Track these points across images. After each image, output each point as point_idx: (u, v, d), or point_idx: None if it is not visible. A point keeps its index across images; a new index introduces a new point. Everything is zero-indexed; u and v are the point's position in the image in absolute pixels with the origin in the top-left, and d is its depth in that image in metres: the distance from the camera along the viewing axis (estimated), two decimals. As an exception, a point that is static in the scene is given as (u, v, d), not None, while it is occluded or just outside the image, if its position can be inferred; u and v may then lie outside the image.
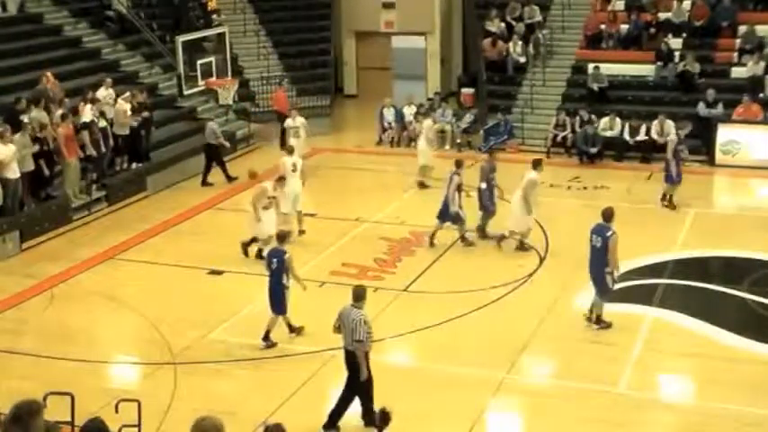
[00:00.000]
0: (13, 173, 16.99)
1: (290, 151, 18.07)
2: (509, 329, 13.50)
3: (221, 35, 24.54)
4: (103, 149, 19.37)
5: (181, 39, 22.83)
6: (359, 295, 10.62)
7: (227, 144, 22.41)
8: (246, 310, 14.34)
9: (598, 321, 13.32)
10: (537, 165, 16.83)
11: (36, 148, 17.66)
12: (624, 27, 25.62)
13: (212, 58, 23.57)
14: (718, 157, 21.97)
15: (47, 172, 18.07)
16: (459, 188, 16.61)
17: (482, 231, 17.12)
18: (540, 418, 11.21)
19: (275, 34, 28.70)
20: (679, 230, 17.35)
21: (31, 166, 17.59)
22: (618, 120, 22.89)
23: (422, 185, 20.59)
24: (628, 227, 16.66)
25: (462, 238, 16.84)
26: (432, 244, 16.81)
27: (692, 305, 14.34)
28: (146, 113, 20.85)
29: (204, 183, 21.25)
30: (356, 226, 18.22)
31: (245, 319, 14.07)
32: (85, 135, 18.79)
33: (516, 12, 27.09)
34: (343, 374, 10.66)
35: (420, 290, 15.03)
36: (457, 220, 16.73)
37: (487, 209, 17.15)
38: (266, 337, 12.97)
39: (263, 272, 15.64)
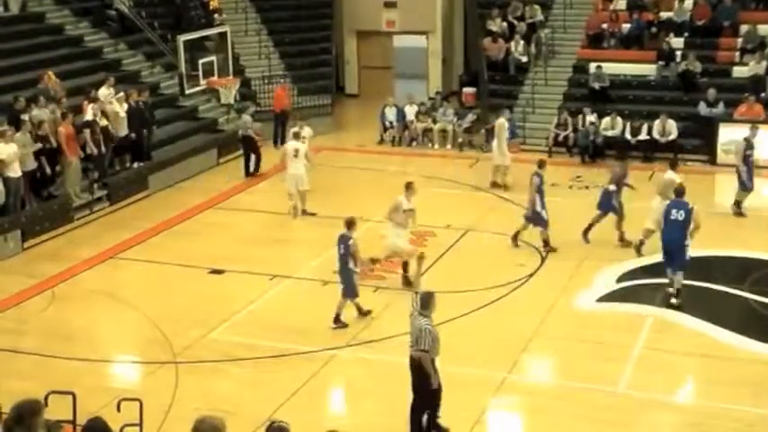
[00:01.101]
0: (15, 172, 17.00)
1: (296, 136, 19.05)
2: (510, 329, 13.51)
3: (223, 34, 24.55)
4: (104, 149, 19.36)
5: (182, 38, 22.84)
6: (426, 302, 10.26)
7: (260, 135, 22.51)
8: (247, 310, 14.36)
9: (678, 295, 13.96)
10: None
11: (39, 145, 17.68)
12: (626, 26, 25.61)
13: (214, 58, 23.57)
14: (720, 156, 21.95)
15: (48, 170, 18.07)
16: (540, 189, 16.35)
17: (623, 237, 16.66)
18: (540, 418, 11.22)
19: (277, 33, 28.69)
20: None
21: (32, 165, 17.61)
22: (619, 119, 22.89)
23: (494, 185, 20.31)
24: (628, 227, 16.69)
25: (545, 242, 16.43)
26: (515, 245, 16.54)
27: (693, 305, 14.34)
28: (136, 100, 20.74)
29: (247, 174, 21.57)
30: (358, 225, 18.17)
31: (245, 319, 14.09)
32: (87, 134, 18.79)
33: (518, 11, 27.08)
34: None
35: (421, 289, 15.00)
36: (539, 221, 16.40)
37: (615, 210, 16.76)
38: (337, 319, 13.53)
39: (263, 272, 15.75)
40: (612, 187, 16.76)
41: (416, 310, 10.29)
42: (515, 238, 16.65)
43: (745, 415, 11.08)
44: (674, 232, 14.04)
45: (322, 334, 13.33)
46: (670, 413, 11.34)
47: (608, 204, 16.60)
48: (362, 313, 13.85)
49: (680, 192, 14.34)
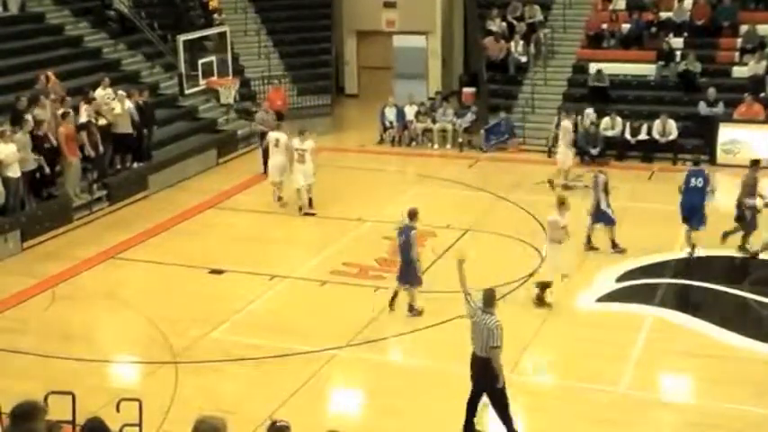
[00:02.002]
0: (15, 172, 17.00)
1: (277, 127, 20.10)
2: (510, 329, 13.34)
3: (222, 34, 24.55)
4: (101, 149, 19.34)
5: (182, 38, 22.85)
6: (489, 299, 10.25)
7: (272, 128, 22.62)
8: (247, 310, 14.36)
9: (693, 249, 15.29)
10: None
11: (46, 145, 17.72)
12: (625, 26, 25.61)
13: (213, 58, 23.58)
14: (720, 156, 21.96)
15: (47, 170, 18.07)
16: (605, 188, 16.29)
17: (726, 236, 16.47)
18: (540, 418, 11.21)
19: (276, 33, 28.69)
20: (680, 230, 17.31)
21: (32, 165, 17.60)
22: (619, 119, 22.87)
23: (566, 188, 19.82)
24: (628, 226, 16.70)
25: (613, 243, 16.30)
26: (590, 248, 16.38)
27: (693, 305, 14.35)
28: (138, 101, 20.74)
29: (265, 169, 21.24)
30: (357, 225, 18.22)
31: (245, 319, 14.09)
32: (83, 136, 18.77)
33: (517, 11, 27.09)
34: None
35: (421, 289, 14.98)
36: (607, 220, 16.30)
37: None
38: (411, 309, 13.91)
39: (263, 272, 15.74)
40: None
41: (479, 308, 10.24)
42: (589, 241, 16.40)
43: (745, 415, 11.07)
44: (693, 199, 15.97)
45: (322, 334, 13.33)
46: (670, 413, 11.34)
47: (602, 216, 16.43)
48: (392, 303, 14.12)
49: (696, 163, 17.03)
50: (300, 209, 18.80)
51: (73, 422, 9.09)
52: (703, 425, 10.92)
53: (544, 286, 14.21)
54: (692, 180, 16.21)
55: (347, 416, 11.46)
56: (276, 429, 6.96)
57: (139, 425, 9.60)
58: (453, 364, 12.39)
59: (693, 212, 15.99)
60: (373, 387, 12.20)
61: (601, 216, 16.29)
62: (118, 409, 9.72)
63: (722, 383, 11.85)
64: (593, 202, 16.30)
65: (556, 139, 23.23)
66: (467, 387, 11.74)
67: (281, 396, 11.48)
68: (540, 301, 14.16)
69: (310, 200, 18.93)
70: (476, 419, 10.57)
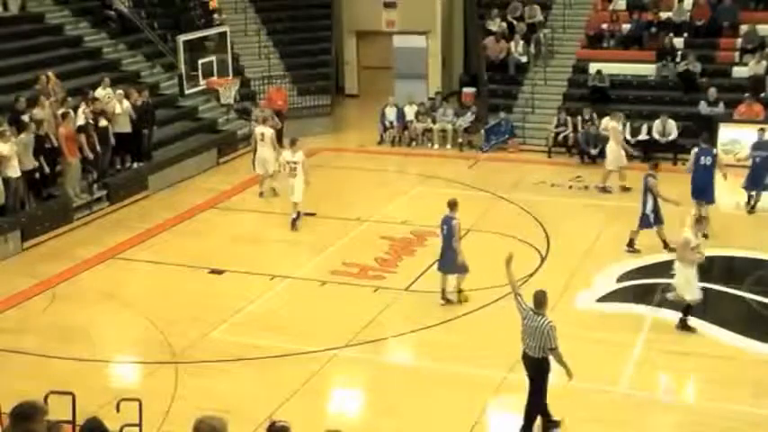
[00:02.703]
0: (15, 171, 17.00)
1: (263, 120, 20.85)
2: (510, 329, 13.42)
3: (222, 34, 24.53)
4: (99, 149, 19.31)
5: (182, 38, 22.83)
6: (540, 301, 10.27)
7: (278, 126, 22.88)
8: (247, 310, 14.36)
9: (699, 220, 14.33)
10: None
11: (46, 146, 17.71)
12: (625, 26, 25.61)
13: (213, 58, 23.56)
14: (720, 156, 21.89)
15: (47, 170, 18.07)
16: (653, 191, 16.14)
17: None
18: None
19: (276, 34, 28.69)
20: (679, 230, 17.31)
21: (31, 165, 17.60)
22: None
23: (623, 189, 19.81)
24: (628, 226, 16.69)
25: (664, 243, 16.17)
26: (632, 250, 16.32)
27: (693, 305, 14.32)
28: (137, 101, 20.73)
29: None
30: (357, 225, 18.23)
31: (245, 319, 14.09)
32: (81, 137, 18.75)
33: (517, 11, 27.09)
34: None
35: (421, 289, 15.02)
36: (656, 222, 16.21)
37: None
38: (444, 296, 14.21)
39: (263, 272, 15.75)
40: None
41: (530, 310, 10.29)
42: (631, 243, 16.37)
43: (745, 415, 11.08)
44: (704, 176, 17.16)
45: (322, 334, 13.33)
46: (670, 413, 11.34)
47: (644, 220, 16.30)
48: (445, 296, 14.36)
49: (704, 138, 18.16)
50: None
51: (73, 422, 9.09)
52: (703, 425, 10.92)
53: (686, 310, 13.34)
54: (702, 158, 17.26)
55: (347, 416, 11.46)
56: (276, 430, 6.94)
57: (139, 425, 9.61)
58: (453, 364, 12.43)
59: (705, 188, 17.06)
60: (373, 387, 12.21)
61: (644, 220, 16.16)
62: (118, 409, 9.73)
63: (722, 383, 11.85)
64: (641, 205, 16.19)
65: (555, 139, 23.32)
66: (466, 387, 11.79)
67: (281, 396, 11.48)
68: (684, 326, 13.32)
69: (298, 214, 18.22)
70: (551, 411, 10.66)
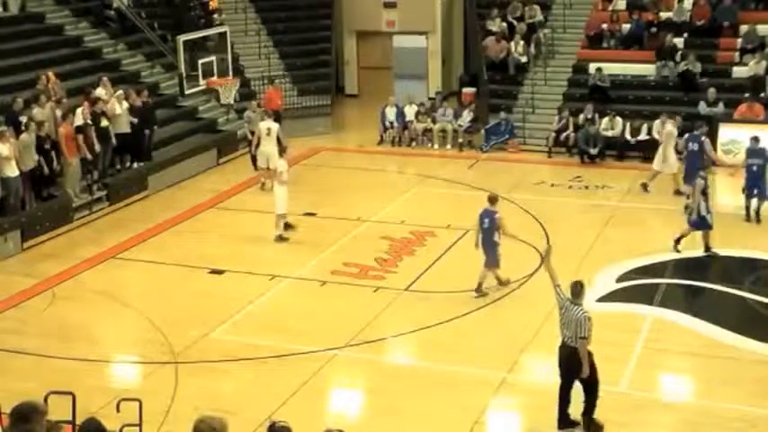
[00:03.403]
0: (14, 171, 17.00)
1: (269, 115, 20.96)
2: (510, 329, 13.51)
3: (222, 34, 24.53)
4: (98, 150, 19.31)
5: (182, 38, 22.82)
6: (577, 291, 10.53)
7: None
8: (247, 310, 14.36)
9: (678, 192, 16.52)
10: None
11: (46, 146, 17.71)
12: (626, 26, 25.60)
13: (213, 58, 23.56)
14: (720, 156, 21.91)
15: (46, 170, 18.07)
16: (705, 192, 16.11)
17: None
18: (540, 418, 11.20)
19: (276, 34, 28.68)
20: (679, 230, 17.33)
21: (32, 165, 17.60)
22: (618, 119, 22.86)
23: (677, 193, 19.29)
24: (628, 226, 16.71)
25: (706, 246, 16.11)
26: (677, 249, 16.25)
27: (693, 305, 14.35)
28: (136, 101, 20.74)
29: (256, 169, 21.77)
30: (357, 225, 18.22)
31: (245, 319, 14.09)
32: (80, 139, 18.73)
33: (517, 11, 27.08)
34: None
35: (421, 289, 15.03)
36: (702, 225, 16.09)
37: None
38: (478, 288, 14.46)
39: (263, 272, 15.74)
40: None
41: (568, 300, 10.51)
42: (678, 242, 16.24)
43: (745, 415, 11.07)
44: (692, 161, 18.68)
45: (322, 334, 13.33)
46: (670, 413, 11.33)
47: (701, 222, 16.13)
48: (502, 283, 14.73)
49: (698, 127, 19.67)
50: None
51: (73, 422, 9.08)
52: (703, 425, 10.91)
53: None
54: (690, 144, 18.91)
55: (347, 416, 11.46)
56: (276, 430, 6.95)
57: (139, 425, 9.61)
58: (453, 365, 12.43)
59: (689, 174, 18.08)
60: (373, 387, 12.20)
61: (700, 222, 16.00)
62: (118, 409, 9.74)
63: (722, 383, 11.84)
64: (694, 206, 16.05)
65: (557, 139, 23.30)
66: (466, 387, 11.78)
67: (281, 396, 11.48)
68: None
69: (286, 225, 17.71)
70: (570, 410, 10.70)
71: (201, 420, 5.93)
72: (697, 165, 18.33)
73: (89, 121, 19.12)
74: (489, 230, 14.48)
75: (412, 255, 16.57)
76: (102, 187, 19.53)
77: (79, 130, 18.84)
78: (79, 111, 19.16)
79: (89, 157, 18.99)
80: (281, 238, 17.31)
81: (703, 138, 19.09)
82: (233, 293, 15.05)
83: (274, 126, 20.23)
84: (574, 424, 10.73)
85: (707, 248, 16.11)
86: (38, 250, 17.25)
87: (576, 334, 10.40)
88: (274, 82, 25.47)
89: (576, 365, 10.50)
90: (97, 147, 19.26)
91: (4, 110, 18.88)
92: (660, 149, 19.88)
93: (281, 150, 18.39)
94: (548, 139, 23.41)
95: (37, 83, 20.05)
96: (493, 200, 14.85)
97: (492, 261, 14.58)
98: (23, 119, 18.08)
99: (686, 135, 19.31)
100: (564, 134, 23.17)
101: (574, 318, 10.39)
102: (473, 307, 14.14)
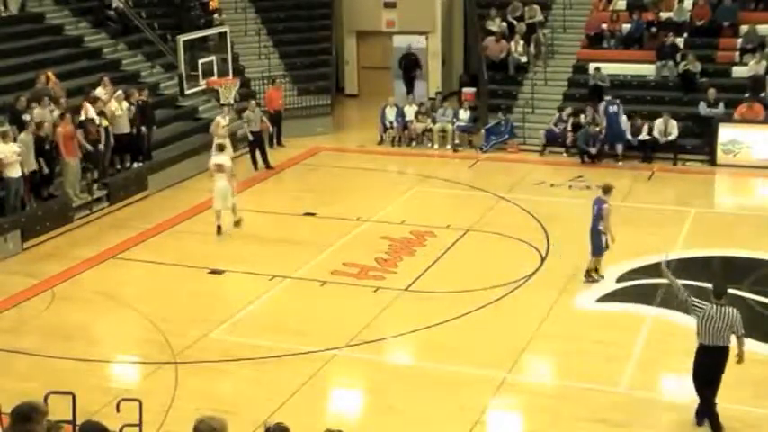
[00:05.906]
0: (15, 172, 17.00)
1: (221, 149, 18.31)
2: (510, 329, 13.51)
3: (222, 34, 24.51)
4: (101, 148, 19.31)
5: (182, 38, 22.78)
6: (720, 292, 10.60)
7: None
8: (247, 310, 14.37)
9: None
10: None
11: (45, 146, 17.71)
12: (626, 26, 25.60)
13: (213, 58, 23.55)
14: (720, 156, 21.95)
15: (46, 170, 18.07)
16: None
17: None
18: (540, 418, 11.21)
19: (276, 33, 28.67)
20: (679, 230, 17.34)
21: (33, 166, 17.60)
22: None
23: None
24: (628, 227, 16.69)
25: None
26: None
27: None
28: (136, 101, 20.72)
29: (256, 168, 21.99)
30: (357, 225, 18.22)
31: (245, 319, 14.09)
32: (79, 134, 18.72)
33: (517, 11, 27.07)
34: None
35: (421, 289, 15.03)
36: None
37: None
38: (588, 275, 14.89)
39: (264, 272, 15.75)
40: None
41: (714, 304, 10.47)
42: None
43: (745, 415, 11.07)
44: (613, 122, 21.93)
45: (322, 334, 13.33)
46: (670, 413, 11.33)
47: None
48: (590, 274, 14.90)
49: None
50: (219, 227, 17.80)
51: (73, 422, 9.08)
52: (703, 425, 10.90)
53: None
54: (610, 108, 21.80)
55: (347, 416, 11.46)
56: (275, 430, 6.96)
57: (139, 425, 9.60)
58: (453, 365, 12.43)
59: (615, 136, 21.74)
60: (373, 387, 12.21)
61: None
62: (118, 409, 9.73)
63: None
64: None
65: (550, 135, 23.24)
66: (467, 387, 11.77)
67: (281, 396, 11.48)
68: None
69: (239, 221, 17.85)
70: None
71: (201, 420, 5.93)
72: (619, 128, 22.00)
73: (94, 116, 19.11)
74: (596, 218, 14.70)
75: (412, 255, 16.57)
76: (101, 187, 19.53)
77: (81, 124, 18.84)
78: (88, 107, 19.16)
79: (89, 148, 18.95)
80: (219, 229, 17.54)
81: (618, 101, 22.27)
82: (233, 293, 15.06)
83: (227, 161, 18.06)
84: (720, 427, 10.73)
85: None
86: (38, 250, 17.25)
87: (731, 332, 10.42)
88: (275, 82, 25.46)
89: (722, 365, 10.55)
90: (100, 146, 19.25)
91: (5, 110, 18.88)
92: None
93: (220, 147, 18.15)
94: (541, 138, 23.35)
95: (37, 83, 20.05)
96: (606, 189, 14.85)
97: (594, 249, 14.79)
98: (27, 117, 18.09)
99: (604, 102, 22.24)
100: (560, 129, 23.07)
101: (727, 317, 10.36)
102: (473, 307, 14.14)
